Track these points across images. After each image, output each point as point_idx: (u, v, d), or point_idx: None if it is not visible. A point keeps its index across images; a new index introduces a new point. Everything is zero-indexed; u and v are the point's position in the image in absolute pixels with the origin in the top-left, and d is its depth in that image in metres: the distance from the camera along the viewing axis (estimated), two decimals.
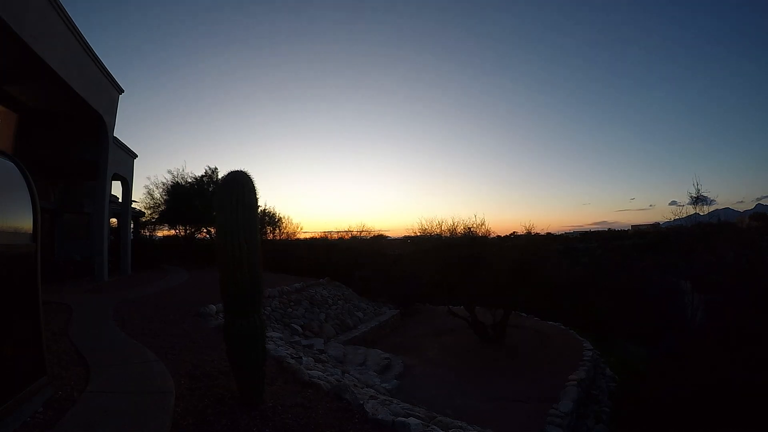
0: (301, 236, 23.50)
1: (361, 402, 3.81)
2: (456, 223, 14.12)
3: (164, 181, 19.58)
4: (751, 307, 10.02)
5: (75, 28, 9.35)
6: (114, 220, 16.65)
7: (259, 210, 9.26)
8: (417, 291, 15.90)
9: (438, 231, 14.57)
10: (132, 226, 18.07)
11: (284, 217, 22.27)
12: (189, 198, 18.31)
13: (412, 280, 15.79)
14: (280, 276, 14.89)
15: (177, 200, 18.64)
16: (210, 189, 18.62)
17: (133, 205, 18.01)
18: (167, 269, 16.82)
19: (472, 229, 13.59)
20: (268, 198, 33.00)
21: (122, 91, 12.92)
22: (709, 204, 14.64)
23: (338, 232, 23.64)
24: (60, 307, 7.35)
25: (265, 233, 20.87)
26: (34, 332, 3.08)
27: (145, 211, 20.06)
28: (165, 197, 19.32)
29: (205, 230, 19.83)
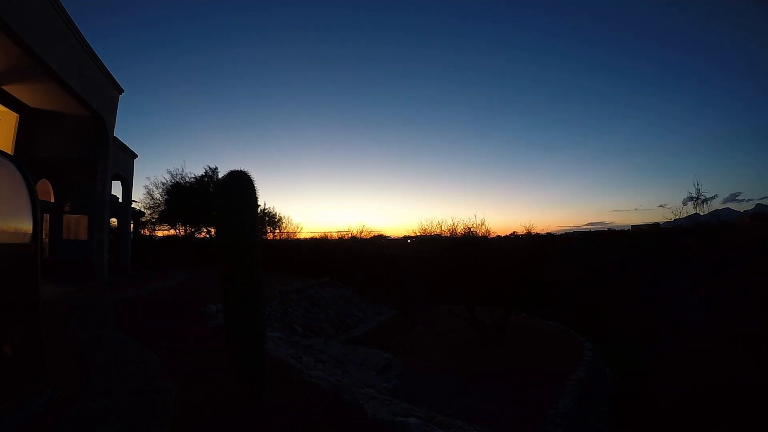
0: (301, 236, 23.49)
1: (361, 402, 3.81)
2: (456, 224, 14.16)
3: (164, 181, 19.60)
4: (751, 307, 10.02)
5: (75, 28, 9.35)
6: (114, 220, 16.65)
7: (259, 210, 9.26)
8: (417, 291, 15.90)
9: (438, 231, 14.60)
10: (132, 225, 18.07)
11: (284, 217, 22.28)
12: (189, 198, 18.31)
13: (412, 280, 15.80)
14: (280, 276, 14.89)
15: (177, 200, 18.64)
16: (210, 189, 18.61)
17: (133, 205, 18.02)
18: (167, 269, 16.82)
19: (472, 229, 13.61)
20: (268, 198, 33.00)
21: (122, 91, 12.93)
22: (709, 204, 14.68)
23: (338, 232, 23.64)
24: (60, 307, 7.35)
25: (265, 233, 20.86)
26: (34, 332, 3.08)
27: (145, 211, 20.07)
28: (165, 197, 19.33)
29: (205, 230, 19.83)
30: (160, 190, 19.45)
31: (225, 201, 3.29)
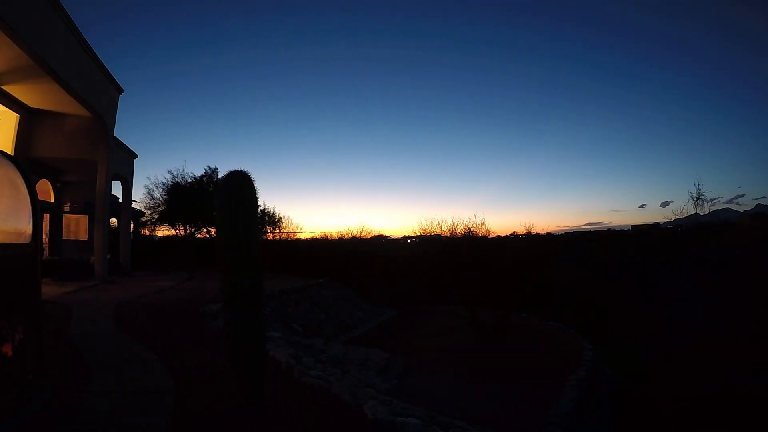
0: (301, 236, 23.44)
1: (361, 402, 3.81)
2: (456, 224, 14.18)
3: (164, 181, 19.61)
4: (751, 307, 10.02)
5: (75, 28, 9.35)
6: (114, 220, 16.67)
7: (259, 210, 9.26)
8: (417, 291, 15.89)
9: (438, 231, 14.62)
10: (132, 226, 18.08)
11: (284, 217, 22.24)
12: (189, 198, 18.33)
13: (412, 280, 15.79)
14: (280, 276, 14.89)
15: (177, 200, 18.66)
16: (210, 189, 18.63)
17: (133, 205, 18.03)
18: (167, 269, 16.83)
19: (472, 229, 13.63)
20: (268, 198, 32.92)
21: (122, 91, 12.93)
22: (709, 204, 14.70)
23: (338, 232, 23.58)
24: (60, 307, 7.35)
25: (265, 233, 20.85)
26: (34, 332, 3.08)
27: (145, 211, 20.08)
28: (165, 197, 19.35)
29: (205, 230, 19.83)
30: (160, 190, 19.48)
31: (225, 201, 3.29)
